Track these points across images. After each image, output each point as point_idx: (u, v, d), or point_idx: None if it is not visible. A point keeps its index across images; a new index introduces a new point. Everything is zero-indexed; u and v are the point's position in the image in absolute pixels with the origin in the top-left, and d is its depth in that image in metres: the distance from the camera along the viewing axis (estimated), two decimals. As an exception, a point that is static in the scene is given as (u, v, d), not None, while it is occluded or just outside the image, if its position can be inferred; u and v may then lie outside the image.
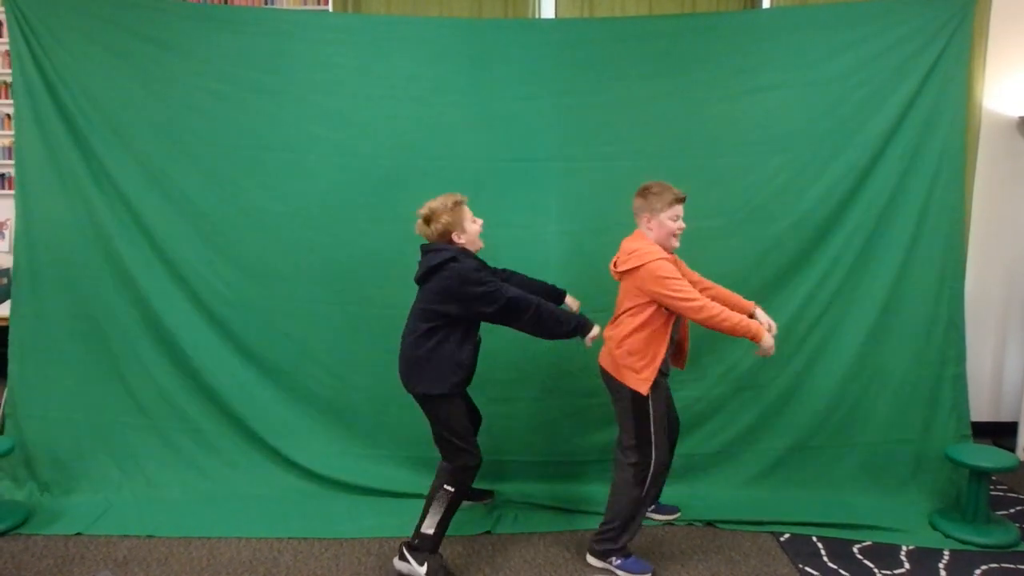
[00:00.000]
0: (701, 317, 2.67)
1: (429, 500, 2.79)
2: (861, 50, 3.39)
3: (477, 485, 3.03)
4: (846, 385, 3.49)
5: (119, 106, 3.41)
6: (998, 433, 4.20)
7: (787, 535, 3.19)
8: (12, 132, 4.45)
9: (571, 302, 3.13)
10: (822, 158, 3.43)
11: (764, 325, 2.86)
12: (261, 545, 3.08)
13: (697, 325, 2.76)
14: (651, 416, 2.79)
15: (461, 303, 2.71)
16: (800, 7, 3.84)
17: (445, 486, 2.76)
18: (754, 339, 2.69)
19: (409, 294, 2.87)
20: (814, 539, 3.15)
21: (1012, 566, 2.98)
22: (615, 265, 2.85)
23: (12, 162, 4.40)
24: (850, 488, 3.47)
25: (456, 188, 3.44)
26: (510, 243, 3.37)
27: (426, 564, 2.77)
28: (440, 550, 2.85)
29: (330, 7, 4.48)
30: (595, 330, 2.82)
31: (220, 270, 3.51)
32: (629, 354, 2.78)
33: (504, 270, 3.07)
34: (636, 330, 2.76)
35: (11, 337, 3.49)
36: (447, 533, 2.84)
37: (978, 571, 2.94)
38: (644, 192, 2.82)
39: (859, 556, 3.04)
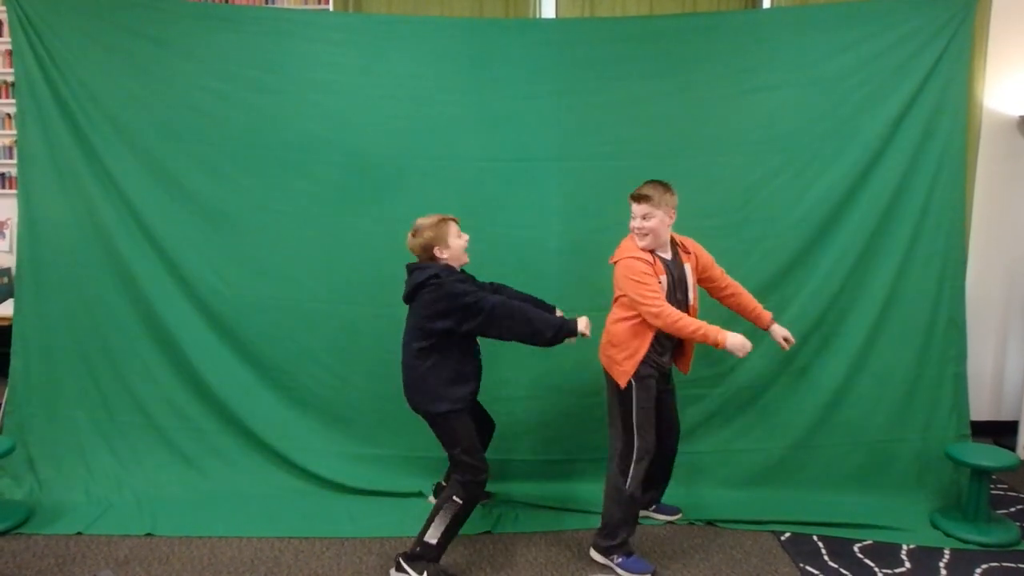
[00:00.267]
0: (659, 322, 2.71)
1: (436, 509, 2.78)
2: (862, 50, 3.39)
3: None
4: (846, 384, 3.49)
5: (120, 105, 3.42)
6: (998, 432, 4.19)
7: (788, 534, 3.19)
8: (12, 131, 4.48)
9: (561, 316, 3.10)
10: (822, 158, 3.43)
11: (778, 336, 2.94)
12: (262, 544, 3.08)
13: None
14: (633, 407, 2.81)
15: (447, 318, 2.71)
16: (800, 7, 3.84)
17: (454, 497, 2.75)
18: (715, 345, 2.69)
19: (410, 294, 2.88)
20: (815, 538, 3.15)
21: (1013, 565, 2.98)
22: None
23: (13, 161, 4.43)
24: (851, 487, 3.47)
25: (456, 188, 3.48)
26: (510, 243, 3.38)
27: (425, 573, 2.76)
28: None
29: (330, 6, 4.48)
30: (582, 322, 2.76)
31: (221, 269, 3.51)
32: (612, 345, 2.86)
33: (492, 284, 3.05)
34: (620, 320, 2.84)
35: (13, 336, 3.50)
36: (448, 539, 2.83)
37: (979, 570, 2.94)
38: None
39: (860, 555, 3.04)
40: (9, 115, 4.61)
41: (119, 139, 3.43)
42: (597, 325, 2.89)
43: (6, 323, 3.67)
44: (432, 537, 2.75)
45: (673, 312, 2.70)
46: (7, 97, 4.60)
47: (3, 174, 4.67)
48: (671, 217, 2.83)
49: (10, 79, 4.50)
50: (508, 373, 3.47)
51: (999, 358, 4.27)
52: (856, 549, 3.08)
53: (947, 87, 3.38)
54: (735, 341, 2.68)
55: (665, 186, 2.82)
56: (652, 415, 2.86)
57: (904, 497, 3.42)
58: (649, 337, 2.80)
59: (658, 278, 2.76)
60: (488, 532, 3.20)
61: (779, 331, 3.02)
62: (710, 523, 3.28)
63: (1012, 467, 3.14)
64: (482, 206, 3.46)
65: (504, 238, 3.40)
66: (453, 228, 2.84)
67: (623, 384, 2.81)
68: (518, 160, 3.48)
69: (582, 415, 3.52)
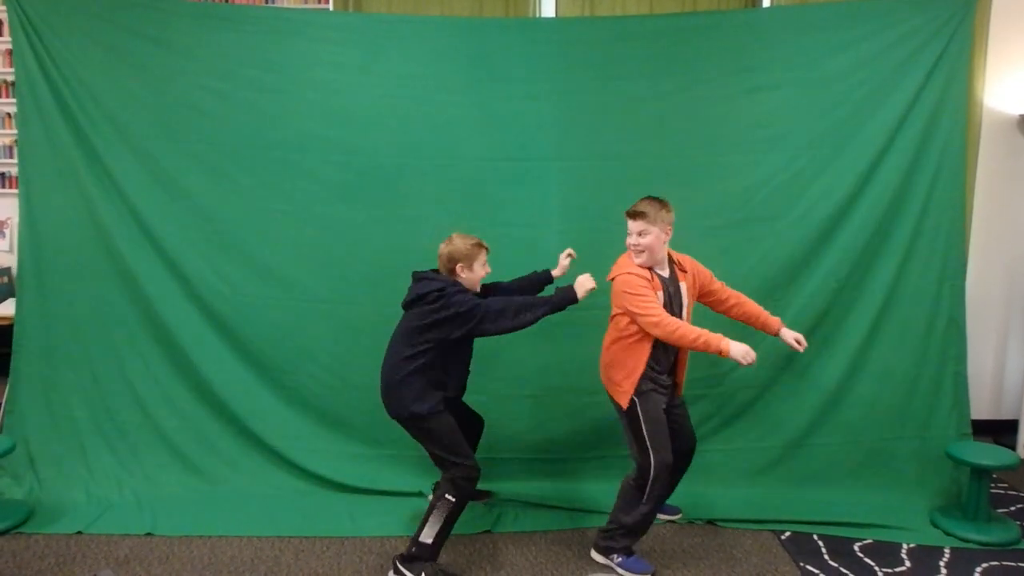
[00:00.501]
0: (658, 331, 2.69)
1: (430, 509, 2.78)
2: (861, 49, 3.39)
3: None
4: (847, 383, 3.49)
5: (120, 104, 3.43)
6: (999, 431, 4.20)
7: (788, 533, 3.19)
8: (13, 131, 4.48)
9: (564, 259, 3.13)
10: (822, 157, 3.44)
11: (790, 339, 2.87)
12: (263, 544, 3.08)
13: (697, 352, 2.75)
14: (641, 422, 2.79)
15: (443, 327, 2.75)
16: (800, 6, 3.84)
17: (446, 496, 2.76)
18: (719, 353, 2.64)
19: (410, 293, 2.88)
20: (815, 537, 3.15)
21: (1013, 564, 2.98)
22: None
23: (13, 161, 4.43)
24: (851, 486, 3.47)
25: (456, 188, 3.48)
26: (510, 243, 3.37)
27: (423, 574, 2.76)
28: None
29: (331, 6, 4.48)
30: (581, 286, 2.77)
31: (221, 269, 3.51)
32: (611, 366, 2.86)
33: (484, 286, 3.04)
34: (616, 340, 2.83)
35: (14, 335, 3.50)
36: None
37: (979, 569, 2.94)
38: None
39: (860, 554, 3.04)
40: (9, 115, 4.61)
41: (119, 139, 3.43)
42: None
43: (6, 323, 3.67)
44: (427, 537, 2.76)
45: (673, 321, 2.69)
46: (7, 97, 4.60)
47: (3, 173, 4.67)
48: (667, 234, 2.80)
49: (10, 79, 4.50)
50: (508, 373, 3.47)
51: (999, 357, 4.27)
52: (856, 548, 3.08)
53: (947, 86, 3.38)
54: (738, 349, 2.63)
55: (661, 202, 2.78)
56: (663, 426, 2.82)
57: (904, 496, 3.42)
58: (645, 355, 2.78)
59: (655, 293, 2.75)
60: (488, 532, 3.20)
61: (789, 334, 2.92)
62: (710, 522, 3.28)
63: (1012, 466, 3.14)
64: (482, 206, 3.46)
65: (504, 238, 3.39)
66: (483, 256, 2.89)
67: (625, 404, 2.80)
68: (518, 160, 3.48)
69: (582, 415, 3.52)
